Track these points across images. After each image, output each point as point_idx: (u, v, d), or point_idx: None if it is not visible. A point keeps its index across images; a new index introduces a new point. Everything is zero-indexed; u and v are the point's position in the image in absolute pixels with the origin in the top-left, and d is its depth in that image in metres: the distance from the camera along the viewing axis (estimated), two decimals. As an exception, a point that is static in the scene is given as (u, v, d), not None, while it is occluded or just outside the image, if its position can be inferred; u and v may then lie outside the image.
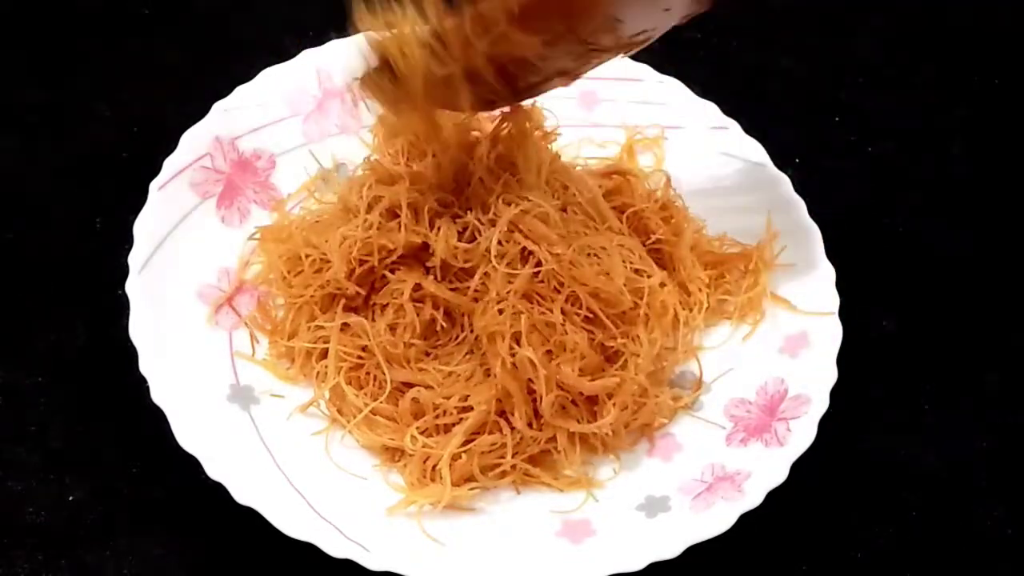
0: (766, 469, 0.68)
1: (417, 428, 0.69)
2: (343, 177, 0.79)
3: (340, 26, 0.84)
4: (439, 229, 0.71)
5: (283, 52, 0.83)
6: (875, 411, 0.77)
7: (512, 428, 0.69)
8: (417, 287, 0.71)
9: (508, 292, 0.69)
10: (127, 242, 0.73)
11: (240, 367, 0.72)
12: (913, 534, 0.73)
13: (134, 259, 0.72)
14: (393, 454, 0.70)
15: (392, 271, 0.72)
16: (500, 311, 0.69)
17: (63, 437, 0.72)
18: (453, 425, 0.69)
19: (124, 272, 0.72)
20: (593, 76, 0.81)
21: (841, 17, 0.98)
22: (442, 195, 0.72)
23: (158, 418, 0.67)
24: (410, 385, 0.70)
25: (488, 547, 0.67)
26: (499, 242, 0.70)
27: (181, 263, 0.74)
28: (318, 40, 0.83)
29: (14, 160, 0.84)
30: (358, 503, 0.68)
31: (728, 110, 0.83)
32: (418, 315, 0.71)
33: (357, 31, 0.68)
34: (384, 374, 0.70)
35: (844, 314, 0.74)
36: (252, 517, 0.65)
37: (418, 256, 0.72)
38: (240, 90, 0.80)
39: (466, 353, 0.71)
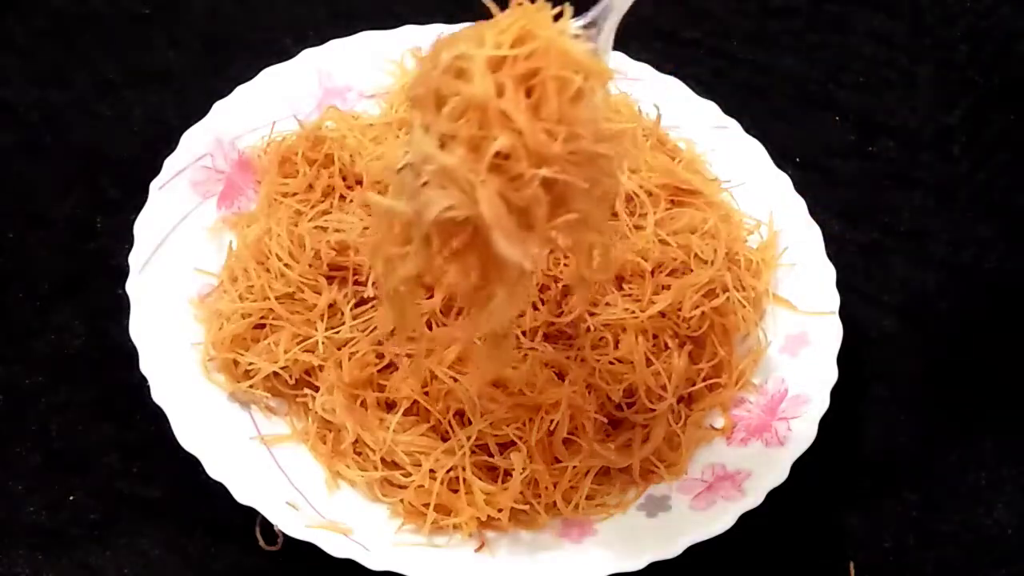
0: (766, 469, 0.68)
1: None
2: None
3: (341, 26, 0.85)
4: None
5: (283, 52, 0.83)
6: (875, 411, 0.77)
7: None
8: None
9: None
10: (127, 242, 0.73)
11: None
12: (913, 534, 0.73)
13: (134, 259, 0.72)
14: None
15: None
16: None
17: (63, 437, 0.72)
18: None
19: (124, 272, 0.72)
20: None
21: (841, 17, 0.98)
22: None
23: (158, 418, 0.67)
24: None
25: (488, 547, 0.67)
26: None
27: (182, 263, 0.74)
28: (318, 40, 0.83)
29: (14, 160, 0.84)
30: (359, 503, 0.68)
31: (728, 110, 0.83)
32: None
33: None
34: None
35: (844, 314, 0.74)
36: (252, 517, 0.66)
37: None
38: (240, 90, 0.80)
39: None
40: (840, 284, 0.75)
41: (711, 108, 0.83)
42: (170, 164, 0.76)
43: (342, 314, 0.71)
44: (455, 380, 0.67)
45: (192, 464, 0.66)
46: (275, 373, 0.70)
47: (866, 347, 0.77)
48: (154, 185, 0.75)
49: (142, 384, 0.68)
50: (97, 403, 0.73)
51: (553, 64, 0.52)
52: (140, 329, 0.70)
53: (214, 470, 0.66)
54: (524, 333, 0.70)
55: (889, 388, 0.78)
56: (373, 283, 0.71)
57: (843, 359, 0.72)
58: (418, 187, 0.53)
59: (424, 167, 0.52)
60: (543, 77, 0.52)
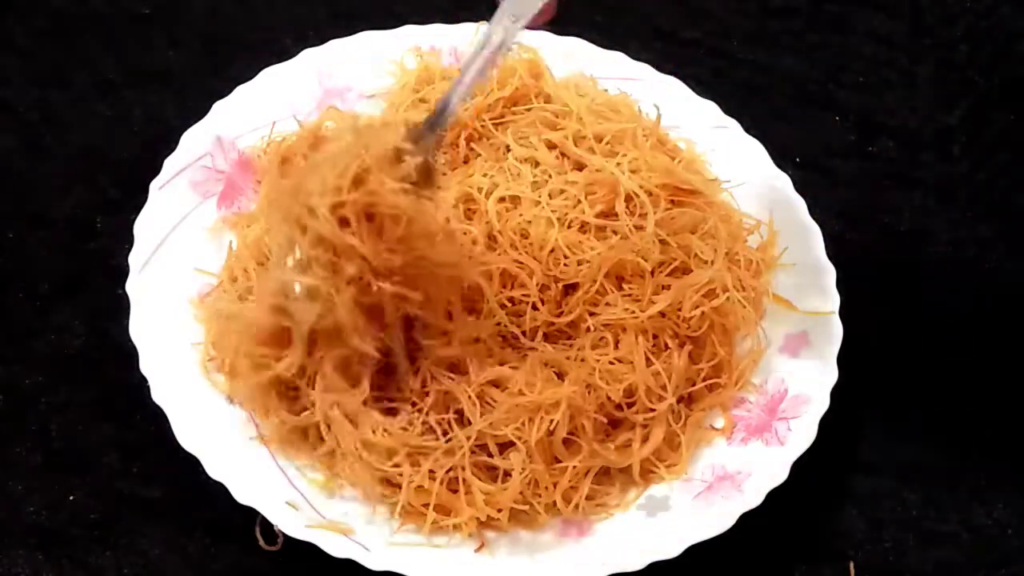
0: (766, 469, 0.68)
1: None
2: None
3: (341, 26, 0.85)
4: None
5: (283, 52, 0.83)
6: (875, 411, 0.77)
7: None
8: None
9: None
10: (127, 242, 0.73)
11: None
12: (913, 534, 0.73)
13: (134, 259, 0.72)
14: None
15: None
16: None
17: (63, 437, 0.72)
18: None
19: (124, 272, 0.72)
20: (594, 76, 0.82)
21: (841, 17, 0.98)
22: None
23: (158, 418, 0.67)
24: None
25: (488, 547, 0.67)
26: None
27: (182, 263, 0.74)
28: (318, 40, 0.83)
29: (14, 160, 0.84)
30: (358, 503, 0.68)
31: (728, 110, 0.83)
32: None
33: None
34: None
35: (844, 314, 0.74)
36: (252, 517, 0.66)
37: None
38: (240, 90, 0.80)
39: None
40: (840, 284, 0.75)
41: (711, 108, 0.83)
42: (170, 164, 0.76)
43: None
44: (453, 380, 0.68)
45: (192, 464, 0.66)
46: None
47: (866, 347, 0.77)
48: (154, 185, 0.75)
49: (142, 384, 0.68)
50: (97, 403, 0.73)
51: (385, 203, 0.63)
52: (140, 329, 0.70)
53: (214, 470, 0.66)
54: (524, 333, 0.70)
55: (889, 388, 0.78)
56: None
57: (843, 359, 0.72)
58: (290, 296, 0.65)
59: (292, 286, 0.65)
60: (380, 210, 0.63)
